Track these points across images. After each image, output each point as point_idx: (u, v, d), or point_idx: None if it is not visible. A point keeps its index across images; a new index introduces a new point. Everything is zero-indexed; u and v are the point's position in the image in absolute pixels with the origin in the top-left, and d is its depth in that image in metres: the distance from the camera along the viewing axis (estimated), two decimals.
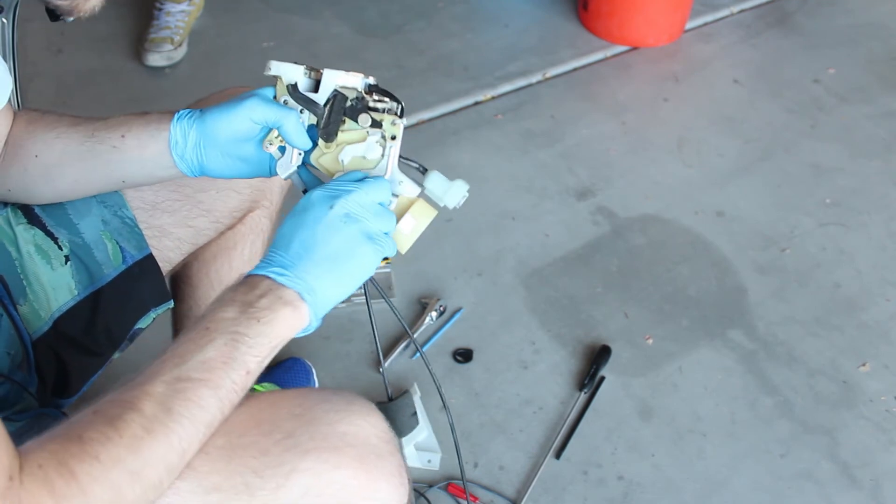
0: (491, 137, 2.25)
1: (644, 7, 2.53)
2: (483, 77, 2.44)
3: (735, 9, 2.78)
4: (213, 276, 1.30)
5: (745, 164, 2.23)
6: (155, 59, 2.38)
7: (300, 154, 0.91)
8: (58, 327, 1.02)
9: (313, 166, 0.93)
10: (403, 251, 0.89)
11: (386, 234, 0.85)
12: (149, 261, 1.09)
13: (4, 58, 1.29)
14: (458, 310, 1.81)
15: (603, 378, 1.70)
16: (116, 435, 0.66)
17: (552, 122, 2.32)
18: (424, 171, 0.94)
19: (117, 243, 1.07)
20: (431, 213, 0.90)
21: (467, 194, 0.93)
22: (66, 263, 1.03)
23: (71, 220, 1.05)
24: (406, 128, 0.90)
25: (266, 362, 0.78)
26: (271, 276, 0.79)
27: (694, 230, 2.04)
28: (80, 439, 0.65)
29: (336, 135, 0.90)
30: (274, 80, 0.93)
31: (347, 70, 0.90)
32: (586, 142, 2.26)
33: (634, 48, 2.60)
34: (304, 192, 0.91)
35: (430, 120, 2.28)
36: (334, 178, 0.89)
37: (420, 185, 0.91)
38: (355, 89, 0.90)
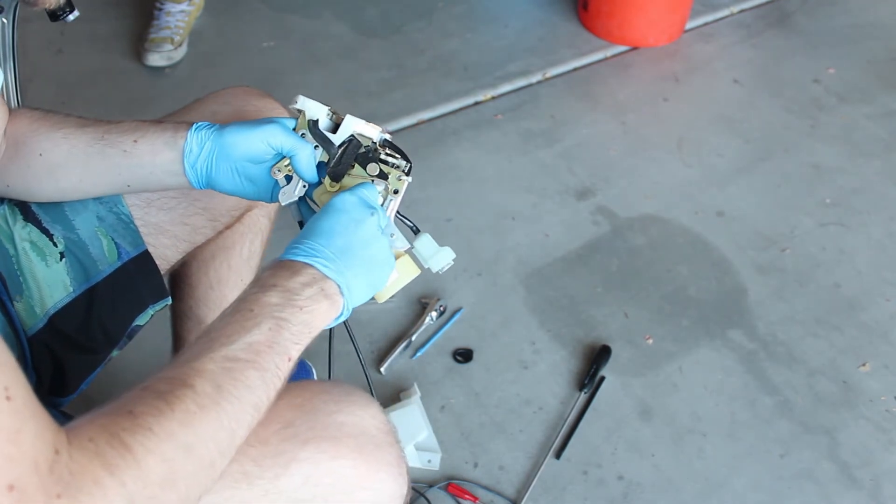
0: (491, 137, 2.25)
1: (644, 7, 2.53)
2: (483, 77, 2.44)
3: (735, 9, 2.78)
4: (212, 276, 1.30)
5: (745, 164, 2.23)
6: (155, 59, 2.38)
7: (304, 187, 0.95)
8: (53, 324, 1.02)
9: (313, 201, 0.96)
10: (380, 301, 0.92)
11: None
12: (145, 257, 1.09)
13: (4, 58, 1.29)
14: (458, 310, 1.81)
15: (603, 378, 1.70)
16: (168, 409, 0.65)
17: (552, 122, 2.32)
18: (417, 231, 0.98)
19: (112, 240, 1.06)
20: (414, 272, 0.93)
21: (452, 262, 0.97)
22: (61, 260, 1.03)
23: (66, 216, 1.05)
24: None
25: (302, 351, 0.78)
26: (317, 266, 0.79)
27: (694, 230, 2.04)
28: (130, 413, 0.64)
29: (343, 177, 0.93)
30: (290, 112, 0.97)
31: (368, 121, 0.95)
32: (586, 142, 2.26)
33: (634, 48, 2.60)
34: (300, 223, 0.96)
35: (430, 120, 2.27)
36: (357, 184, 0.92)
37: (410, 242, 0.95)
38: (371, 139, 0.94)
